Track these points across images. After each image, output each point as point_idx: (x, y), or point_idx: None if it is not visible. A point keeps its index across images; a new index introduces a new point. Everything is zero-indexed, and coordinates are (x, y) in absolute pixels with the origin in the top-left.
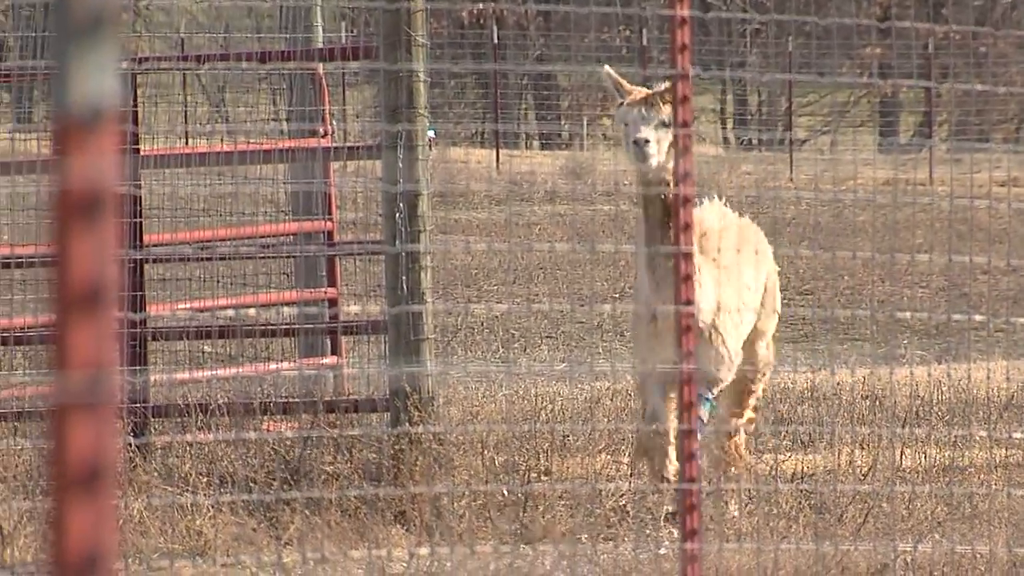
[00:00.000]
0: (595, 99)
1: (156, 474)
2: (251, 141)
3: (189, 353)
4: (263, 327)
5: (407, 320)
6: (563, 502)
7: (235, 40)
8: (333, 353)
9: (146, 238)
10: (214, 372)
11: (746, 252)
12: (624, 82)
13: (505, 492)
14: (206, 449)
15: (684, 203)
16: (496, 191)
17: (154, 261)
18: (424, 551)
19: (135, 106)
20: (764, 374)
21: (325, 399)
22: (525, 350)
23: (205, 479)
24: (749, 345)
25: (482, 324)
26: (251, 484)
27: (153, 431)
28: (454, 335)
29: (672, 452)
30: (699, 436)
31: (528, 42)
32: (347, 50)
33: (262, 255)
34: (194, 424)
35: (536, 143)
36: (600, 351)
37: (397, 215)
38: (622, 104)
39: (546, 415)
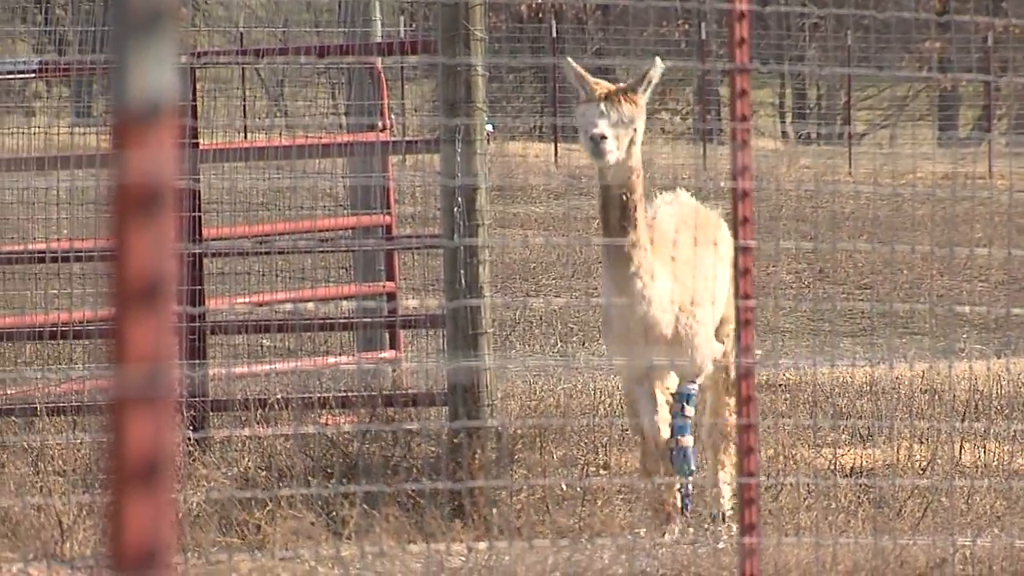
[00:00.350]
0: (653, 93)
1: (215, 468)
2: (310, 135)
3: (248, 347)
4: (322, 321)
5: (465, 314)
6: (621, 496)
7: (294, 34)
8: (392, 347)
9: (205, 232)
10: (273, 366)
11: (704, 241)
12: (588, 77)
13: (564, 486)
14: (264, 443)
15: (743, 197)
16: (554, 185)
17: (213, 255)
18: (482, 545)
19: (194, 100)
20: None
21: (384, 393)
22: (583, 344)
23: (263, 473)
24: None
25: (540, 318)
26: (309, 478)
27: (212, 425)
28: (512, 329)
29: (660, 450)
30: (687, 433)
31: (587, 36)
32: (406, 44)
33: (321, 249)
34: (253, 418)
35: None
36: None
37: (455, 209)
38: (583, 100)
39: (604, 409)
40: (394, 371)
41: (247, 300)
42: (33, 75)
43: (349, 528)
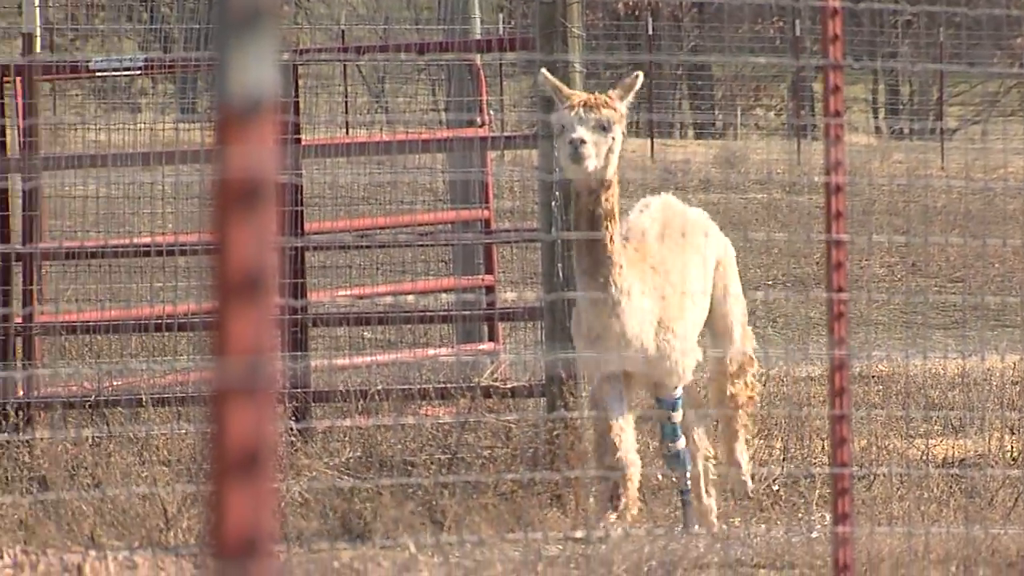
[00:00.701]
0: (748, 89)
1: (317, 458)
2: (410, 131)
3: (349, 339)
4: (421, 313)
5: (562, 306)
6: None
7: (394, 32)
8: (490, 339)
9: (307, 226)
10: (373, 358)
11: (688, 249)
12: (563, 86)
13: (660, 476)
14: (366, 433)
15: (836, 192)
16: (650, 180)
17: (315, 249)
18: (579, 534)
19: (296, 96)
20: (744, 367)
21: (482, 384)
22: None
23: (366, 463)
24: (717, 338)
25: None
26: (409, 468)
27: (314, 416)
28: None
29: (622, 440)
30: (678, 437)
31: (682, 33)
32: (504, 41)
33: (420, 243)
34: (354, 409)
35: (690, 132)
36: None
37: (553, 203)
38: (560, 108)
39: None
40: (493, 362)
41: (348, 293)
42: (139, 72)
43: (448, 517)
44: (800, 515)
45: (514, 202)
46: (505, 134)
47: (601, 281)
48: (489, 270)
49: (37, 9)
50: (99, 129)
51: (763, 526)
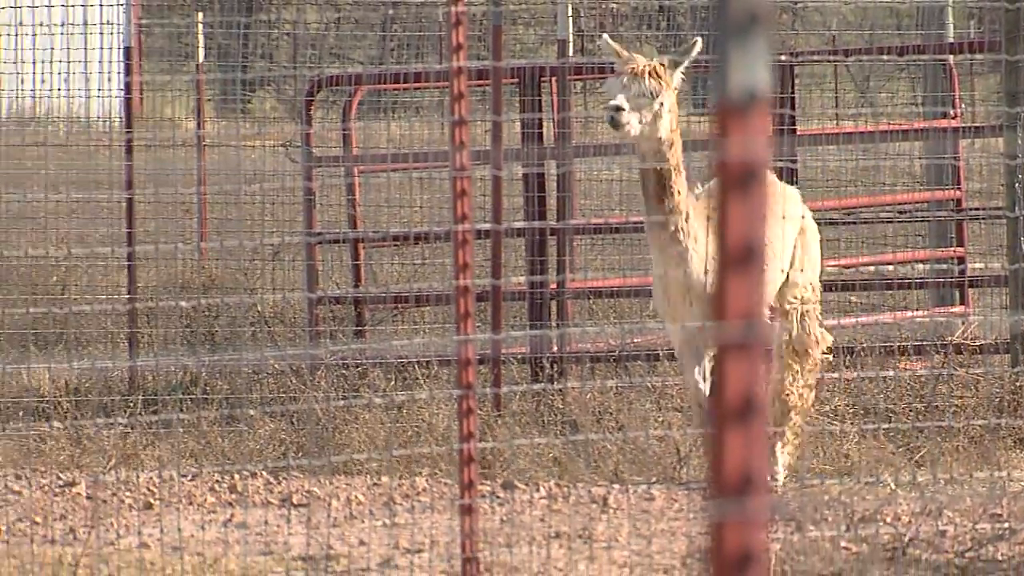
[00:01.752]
0: None
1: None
2: (891, 122)
3: (837, 303)
4: (900, 281)
5: None
6: None
7: (879, 36)
8: (961, 303)
9: None
10: (858, 319)
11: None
12: (624, 53)
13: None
14: (852, 384)
15: None
16: None
17: None
18: None
19: (793, 93)
20: (809, 352)
21: (954, 342)
22: None
23: (852, 410)
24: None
25: None
26: (890, 415)
27: None
28: None
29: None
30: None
31: None
32: (974, 44)
33: (899, 219)
34: (842, 363)
35: None
36: None
37: (1016, 185)
38: (612, 75)
39: None
40: (963, 323)
41: (836, 263)
42: None
43: (923, 457)
44: None
45: (982, 184)
46: (975, 125)
47: (668, 229)
48: (960, 243)
49: (570, 19)
50: None
51: None
